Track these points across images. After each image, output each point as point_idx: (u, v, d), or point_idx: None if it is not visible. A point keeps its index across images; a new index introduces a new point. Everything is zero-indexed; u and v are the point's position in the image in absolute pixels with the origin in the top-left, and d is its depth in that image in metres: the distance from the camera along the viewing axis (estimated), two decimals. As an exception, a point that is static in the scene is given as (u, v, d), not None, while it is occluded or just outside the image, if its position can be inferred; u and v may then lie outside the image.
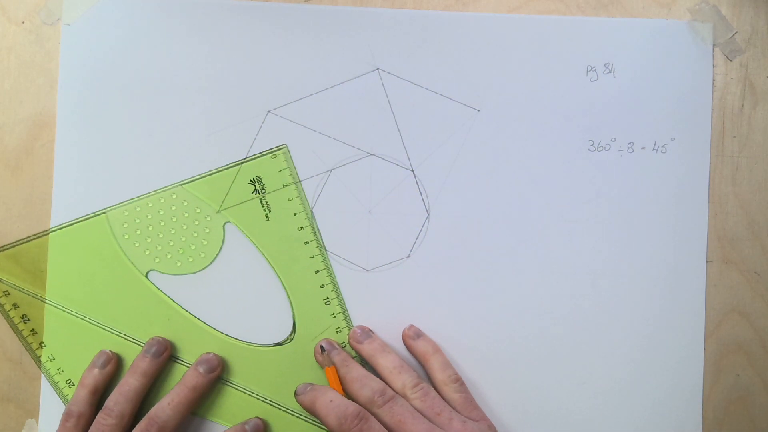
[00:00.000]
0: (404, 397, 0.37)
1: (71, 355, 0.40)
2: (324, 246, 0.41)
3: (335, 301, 0.41)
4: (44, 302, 0.40)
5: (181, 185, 0.40)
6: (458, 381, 0.39)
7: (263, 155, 0.41)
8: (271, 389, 0.40)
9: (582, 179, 0.41)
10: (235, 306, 0.40)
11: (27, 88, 0.41)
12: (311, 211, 0.41)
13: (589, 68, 0.41)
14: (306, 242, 0.40)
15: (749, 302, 0.41)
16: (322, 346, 0.39)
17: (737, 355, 0.41)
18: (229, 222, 0.41)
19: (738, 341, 0.41)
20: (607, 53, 0.41)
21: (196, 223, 0.40)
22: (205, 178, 0.41)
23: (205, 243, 0.40)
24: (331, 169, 0.41)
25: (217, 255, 0.40)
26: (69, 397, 0.40)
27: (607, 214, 0.41)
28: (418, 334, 0.40)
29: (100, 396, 0.39)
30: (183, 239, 0.40)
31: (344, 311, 0.41)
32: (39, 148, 0.41)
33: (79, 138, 0.41)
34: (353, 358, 0.40)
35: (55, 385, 0.40)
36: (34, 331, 0.40)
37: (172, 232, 0.40)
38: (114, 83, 0.41)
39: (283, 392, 0.40)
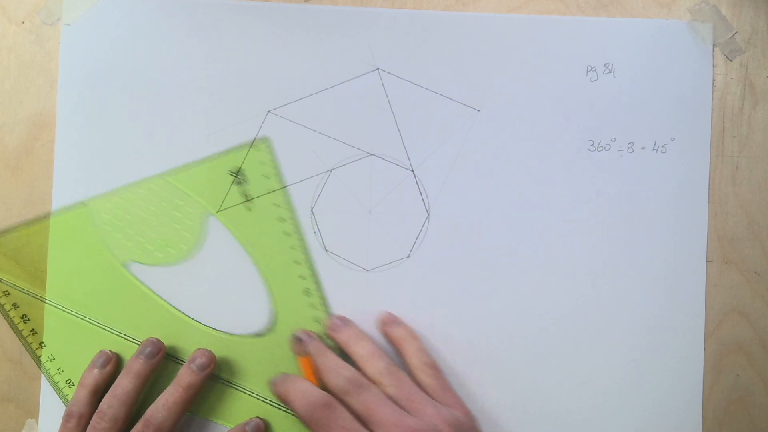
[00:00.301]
0: (378, 384, 0.37)
1: (71, 355, 0.40)
2: (304, 236, 0.40)
3: (315, 292, 0.41)
4: (44, 302, 0.40)
5: (163, 176, 0.40)
6: (433, 367, 0.38)
7: (244, 146, 0.41)
8: (250, 379, 0.40)
9: (582, 179, 0.41)
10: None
11: (27, 88, 0.41)
12: (292, 202, 0.41)
13: (589, 68, 0.41)
14: (286, 234, 0.40)
15: (749, 302, 0.41)
16: (298, 337, 0.39)
17: (737, 355, 0.41)
18: (209, 213, 0.40)
19: (738, 341, 0.41)
20: (607, 53, 0.41)
21: (177, 214, 0.40)
22: (186, 170, 0.40)
23: (185, 234, 0.40)
24: (331, 169, 0.41)
25: (197, 246, 0.40)
26: (69, 397, 0.40)
27: (607, 214, 0.41)
28: (395, 321, 0.40)
29: (100, 396, 0.39)
30: (163, 230, 0.40)
31: (324, 302, 0.41)
32: (39, 148, 0.41)
33: (79, 138, 0.41)
34: (331, 348, 0.40)
35: (55, 385, 0.40)
36: (34, 331, 0.40)
37: (153, 223, 0.40)
38: (114, 83, 0.41)
39: (262, 382, 0.40)
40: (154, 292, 0.40)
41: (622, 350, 0.41)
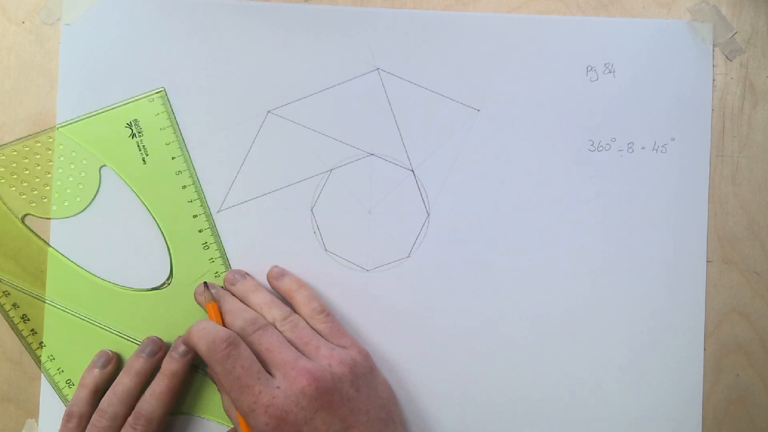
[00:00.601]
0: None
1: (71, 355, 0.40)
2: (202, 190, 0.40)
3: (213, 246, 0.41)
4: (44, 302, 0.40)
5: (58, 128, 0.40)
6: (324, 311, 0.39)
7: (140, 98, 0.41)
8: (148, 334, 0.40)
9: (582, 179, 0.41)
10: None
11: (27, 88, 0.41)
12: (189, 155, 0.41)
13: (589, 68, 0.41)
14: (184, 186, 0.40)
15: (749, 302, 0.41)
16: (204, 283, 0.39)
17: (737, 355, 0.41)
18: (105, 166, 0.40)
19: (738, 341, 0.41)
20: (607, 53, 0.41)
21: (72, 166, 0.40)
22: (81, 121, 0.40)
23: (80, 186, 0.40)
24: (331, 169, 0.41)
25: (93, 199, 0.40)
26: (69, 397, 0.40)
27: (607, 214, 0.41)
28: (282, 273, 0.40)
29: (101, 396, 0.39)
30: (59, 183, 0.40)
31: (223, 255, 0.41)
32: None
33: (79, 138, 0.41)
34: None
35: (55, 385, 0.40)
36: (34, 331, 0.40)
37: (48, 175, 0.40)
38: (114, 83, 0.41)
39: (161, 336, 0.40)
40: (51, 246, 0.40)
41: (622, 350, 0.41)
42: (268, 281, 0.40)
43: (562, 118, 0.41)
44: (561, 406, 0.41)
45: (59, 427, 0.38)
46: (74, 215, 0.40)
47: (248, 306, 0.39)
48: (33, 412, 0.40)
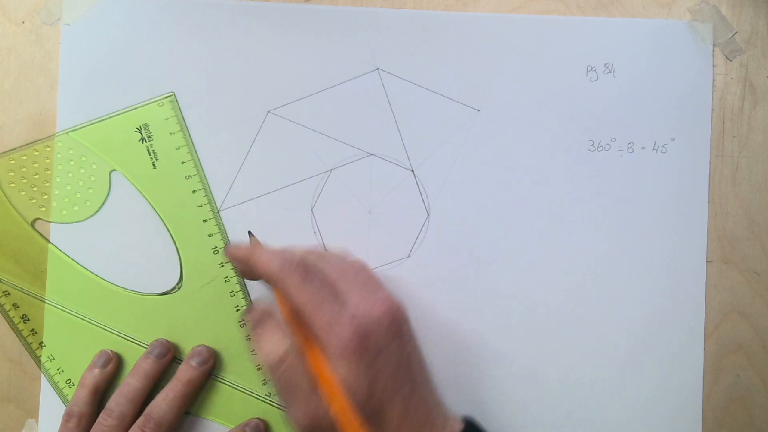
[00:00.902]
0: None
1: (71, 355, 0.40)
2: (212, 194, 0.40)
3: (224, 251, 0.41)
4: (44, 302, 0.40)
5: (67, 133, 0.40)
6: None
7: (150, 103, 0.41)
8: (158, 338, 0.40)
9: (582, 179, 0.41)
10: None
11: (27, 88, 0.41)
12: (200, 160, 0.41)
13: (589, 68, 0.41)
14: (194, 191, 0.40)
15: (749, 302, 0.41)
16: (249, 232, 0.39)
17: (737, 355, 0.41)
18: (115, 170, 0.40)
19: (738, 341, 0.41)
20: (607, 53, 0.41)
21: (82, 170, 0.40)
22: (91, 126, 0.40)
23: (90, 191, 0.40)
24: (331, 169, 0.41)
25: (102, 203, 0.40)
26: (69, 397, 0.40)
27: (607, 214, 0.41)
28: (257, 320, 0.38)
29: (101, 396, 0.39)
30: (68, 187, 0.40)
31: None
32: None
33: (79, 138, 0.41)
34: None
35: (55, 385, 0.40)
36: (34, 331, 0.40)
37: (57, 180, 0.40)
38: (114, 83, 0.41)
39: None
40: (61, 251, 0.40)
41: (621, 350, 0.41)
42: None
43: (562, 118, 0.41)
44: (561, 405, 0.41)
45: (59, 427, 0.38)
46: (84, 219, 0.40)
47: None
48: (33, 412, 0.40)
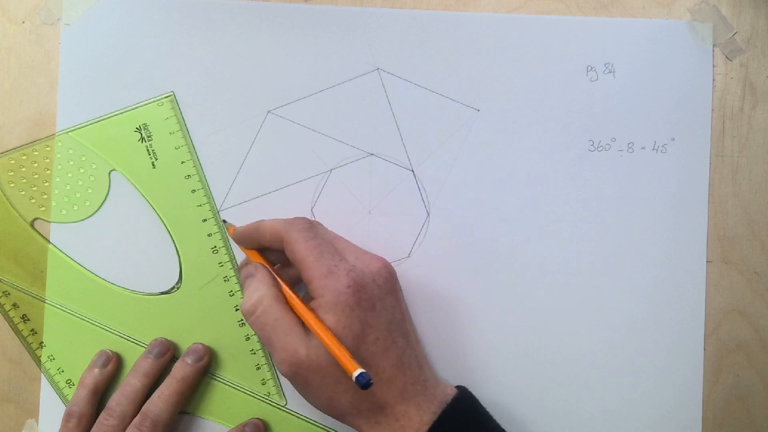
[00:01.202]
0: None
1: (71, 355, 0.40)
2: (211, 194, 0.40)
3: (223, 250, 0.41)
4: (44, 302, 0.40)
5: (67, 133, 0.40)
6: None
7: (149, 103, 0.41)
8: (157, 337, 0.40)
9: (582, 179, 0.41)
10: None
11: (27, 88, 0.41)
12: (199, 159, 0.41)
13: (589, 68, 0.41)
14: (193, 191, 0.40)
15: (749, 302, 0.41)
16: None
17: (737, 355, 0.41)
18: (114, 170, 0.40)
19: (738, 341, 0.41)
20: (607, 53, 0.41)
21: (81, 170, 0.40)
22: (90, 125, 0.40)
23: (90, 191, 0.40)
24: (331, 169, 0.41)
25: (102, 203, 0.40)
26: (69, 397, 0.40)
27: (607, 214, 0.41)
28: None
29: (101, 396, 0.39)
30: (68, 187, 0.40)
31: (232, 260, 0.41)
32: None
33: (79, 138, 0.41)
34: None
35: (55, 385, 0.40)
36: (34, 331, 0.40)
37: (57, 179, 0.40)
38: (114, 83, 0.41)
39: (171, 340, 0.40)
40: (61, 250, 0.40)
41: (621, 350, 0.41)
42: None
43: (562, 118, 0.41)
44: (560, 405, 0.41)
45: (59, 427, 0.38)
46: (84, 219, 0.40)
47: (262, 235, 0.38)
48: (33, 412, 0.40)
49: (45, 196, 0.40)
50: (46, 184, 0.40)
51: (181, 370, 0.39)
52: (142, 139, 0.40)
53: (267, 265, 0.37)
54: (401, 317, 0.36)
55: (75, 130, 0.40)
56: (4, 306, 0.40)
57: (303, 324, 0.34)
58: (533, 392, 0.41)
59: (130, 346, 0.40)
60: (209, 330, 0.40)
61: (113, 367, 0.39)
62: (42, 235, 0.40)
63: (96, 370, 0.39)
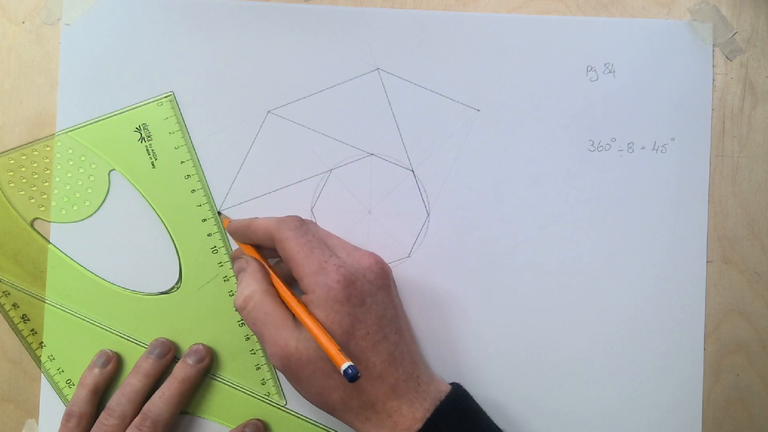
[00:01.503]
0: None
1: (71, 355, 0.40)
2: (211, 194, 0.41)
3: (222, 250, 0.41)
4: (44, 302, 0.40)
5: (67, 133, 0.40)
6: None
7: (149, 102, 0.41)
8: (157, 337, 0.40)
9: (582, 179, 0.41)
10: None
11: (27, 88, 0.41)
12: (199, 159, 0.41)
13: (589, 68, 0.41)
14: (193, 191, 0.40)
15: (749, 302, 0.41)
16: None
17: (737, 355, 0.41)
18: (114, 170, 0.40)
19: (738, 341, 0.41)
20: (607, 53, 0.41)
21: (81, 170, 0.40)
22: (90, 125, 0.40)
23: (89, 191, 0.40)
24: (331, 169, 0.41)
25: (102, 203, 0.40)
26: (69, 397, 0.40)
27: (607, 214, 0.41)
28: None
29: (101, 396, 0.39)
30: (68, 187, 0.40)
31: (231, 260, 0.41)
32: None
33: (79, 138, 0.41)
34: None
35: (55, 385, 0.40)
36: (34, 331, 0.40)
37: (57, 179, 0.40)
38: (113, 83, 0.41)
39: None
40: (61, 250, 0.40)
41: (621, 351, 0.41)
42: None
43: (562, 118, 0.41)
44: (560, 404, 0.41)
45: (59, 427, 0.38)
46: (84, 219, 0.40)
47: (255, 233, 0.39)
48: (33, 412, 0.40)
49: (45, 196, 0.40)
50: (46, 184, 0.40)
51: (182, 371, 0.39)
52: (142, 139, 0.40)
53: (259, 258, 0.38)
54: (394, 313, 0.36)
55: (75, 130, 0.40)
56: (4, 306, 0.40)
57: (294, 318, 0.35)
58: (533, 392, 0.41)
59: (130, 346, 0.40)
60: (209, 330, 0.40)
61: (113, 367, 0.39)
62: (42, 235, 0.40)
63: (96, 370, 0.39)
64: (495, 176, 0.41)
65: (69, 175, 0.40)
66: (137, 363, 0.39)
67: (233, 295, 0.40)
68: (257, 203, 0.41)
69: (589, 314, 0.41)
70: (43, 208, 0.40)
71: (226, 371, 0.40)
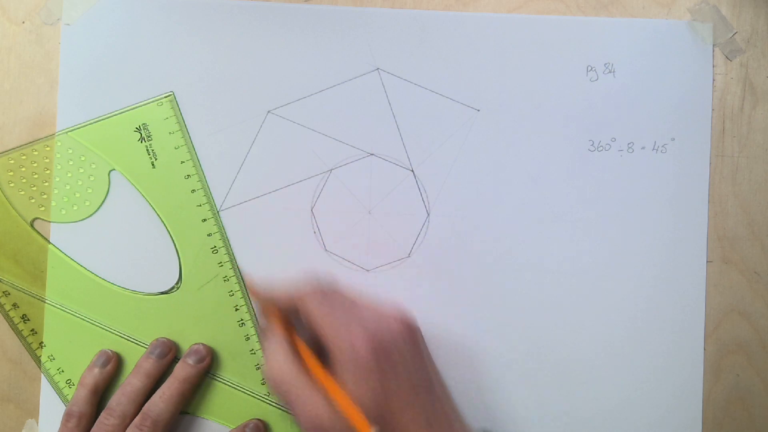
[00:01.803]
0: None
1: (71, 355, 0.40)
2: (211, 194, 0.41)
3: (223, 250, 0.41)
4: (44, 302, 0.40)
5: (67, 133, 0.40)
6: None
7: (149, 103, 0.41)
8: (157, 337, 0.40)
9: (582, 179, 0.41)
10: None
11: (27, 88, 0.41)
12: (199, 159, 0.41)
13: (589, 68, 0.41)
14: (193, 191, 0.40)
15: (749, 302, 0.41)
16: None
17: (737, 355, 0.41)
18: (114, 170, 0.40)
19: (738, 341, 0.41)
20: (607, 53, 0.41)
21: (81, 170, 0.40)
22: (90, 125, 0.40)
23: (89, 191, 0.40)
24: (331, 169, 0.41)
25: (102, 203, 0.40)
26: (69, 397, 0.40)
27: (607, 214, 0.41)
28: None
29: (100, 395, 0.39)
30: (67, 187, 0.40)
31: (232, 260, 0.41)
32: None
33: (79, 138, 0.41)
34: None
35: (55, 385, 0.40)
36: (34, 331, 0.40)
37: (57, 179, 0.40)
38: (113, 83, 0.41)
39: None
40: (61, 250, 0.40)
41: (621, 351, 0.41)
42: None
43: (562, 118, 0.41)
44: (560, 405, 0.41)
45: (59, 427, 0.38)
46: (84, 219, 0.40)
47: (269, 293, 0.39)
48: (33, 412, 0.40)
49: (45, 196, 0.40)
50: (46, 184, 0.40)
51: (182, 371, 0.39)
52: (142, 139, 0.40)
53: (283, 325, 0.37)
54: (426, 375, 0.35)
55: (75, 130, 0.40)
56: (4, 306, 0.40)
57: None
58: (533, 392, 0.41)
59: (130, 346, 0.40)
60: (209, 330, 0.40)
61: (113, 367, 0.39)
62: (42, 235, 0.40)
63: (96, 370, 0.39)
64: (495, 176, 0.41)
65: (69, 175, 0.40)
66: (138, 363, 0.39)
67: (233, 295, 0.40)
68: (257, 203, 0.41)
69: (589, 314, 0.41)
70: (43, 208, 0.40)
71: (226, 371, 0.40)
